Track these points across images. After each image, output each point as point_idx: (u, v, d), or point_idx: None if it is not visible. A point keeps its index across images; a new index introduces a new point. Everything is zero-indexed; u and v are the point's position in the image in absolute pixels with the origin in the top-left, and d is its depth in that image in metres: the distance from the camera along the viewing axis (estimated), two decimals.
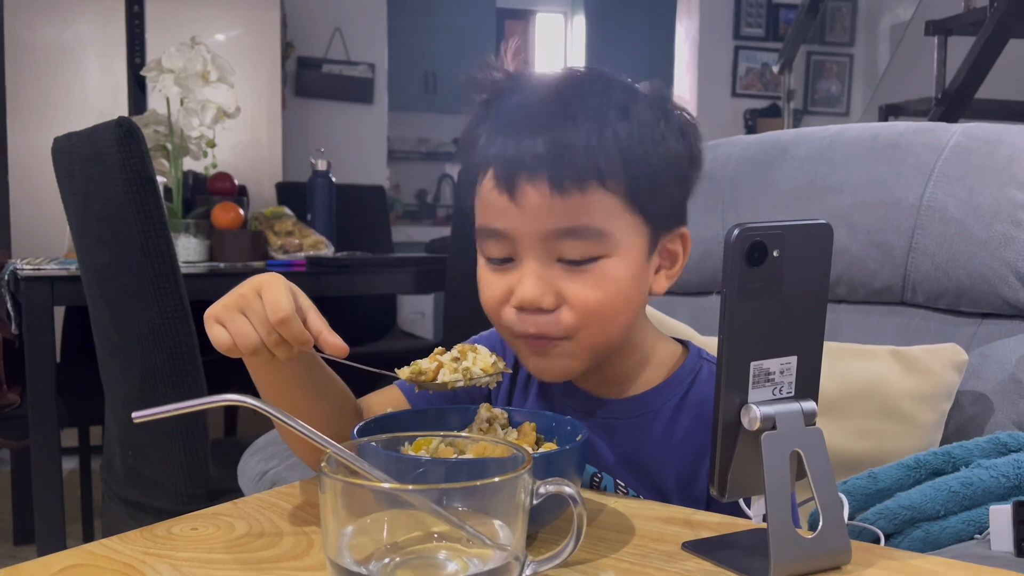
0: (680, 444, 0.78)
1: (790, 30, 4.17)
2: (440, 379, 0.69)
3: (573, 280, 0.70)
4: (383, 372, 0.71)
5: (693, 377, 0.80)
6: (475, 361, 0.69)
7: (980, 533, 0.85)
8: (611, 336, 0.74)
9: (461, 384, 0.69)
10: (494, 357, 0.70)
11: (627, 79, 0.75)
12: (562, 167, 0.67)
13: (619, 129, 0.69)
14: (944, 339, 1.12)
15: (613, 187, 0.69)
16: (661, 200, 0.73)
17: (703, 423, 0.77)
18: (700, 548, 0.61)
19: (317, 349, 0.68)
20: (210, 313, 0.66)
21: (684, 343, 0.84)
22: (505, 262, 0.72)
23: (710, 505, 0.75)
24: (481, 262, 0.75)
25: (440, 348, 0.72)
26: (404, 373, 0.69)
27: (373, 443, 0.59)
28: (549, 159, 0.67)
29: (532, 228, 0.69)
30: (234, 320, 0.65)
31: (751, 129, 4.84)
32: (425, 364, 0.69)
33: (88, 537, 2.35)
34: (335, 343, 0.66)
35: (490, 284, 0.73)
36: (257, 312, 0.64)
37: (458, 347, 0.71)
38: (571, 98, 0.71)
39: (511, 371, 0.73)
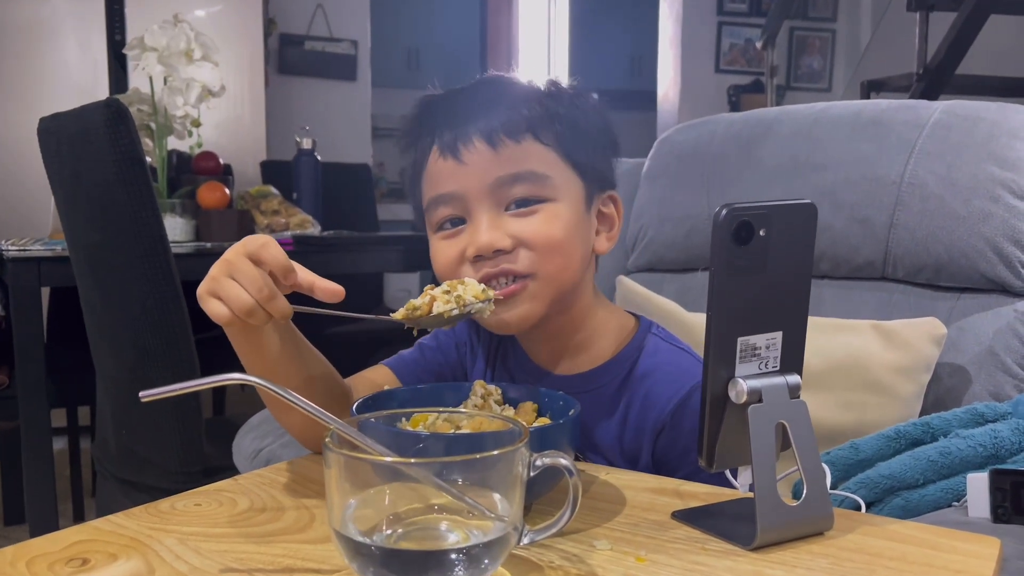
0: (622, 418, 0.82)
1: (773, 6, 4.17)
2: (435, 311, 0.70)
3: (526, 221, 0.77)
4: (379, 317, 0.72)
5: (638, 355, 0.83)
6: (465, 290, 0.71)
7: (958, 501, 0.88)
8: (566, 277, 0.79)
9: (456, 312, 0.70)
10: (482, 285, 0.73)
11: (543, 77, 0.86)
12: (493, 124, 0.77)
13: (541, 98, 0.80)
14: (924, 313, 1.14)
15: (546, 140, 0.79)
16: (590, 158, 0.81)
17: (643, 397, 0.81)
18: (689, 517, 0.64)
19: (313, 304, 0.69)
20: (202, 289, 0.67)
21: (637, 316, 0.87)
22: (456, 224, 0.79)
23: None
24: (433, 241, 0.81)
25: (430, 284, 0.74)
26: (400, 314, 0.70)
27: (373, 419, 0.60)
28: (482, 120, 0.77)
29: (479, 181, 0.77)
30: (225, 286, 0.66)
31: (735, 105, 4.85)
32: (418, 301, 0.71)
33: (79, 516, 2.36)
34: (329, 288, 0.67)
35: (443, 250, 0.80)
36: (246, 272, 0.65)
37: (447, 283, 0.73)
38: (498, 82, 0.83)
39: (501, 296, 0.76)
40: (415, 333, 0.74)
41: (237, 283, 0.66)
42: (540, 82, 0.84)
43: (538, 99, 0.80)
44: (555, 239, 0.77)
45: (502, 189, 0.77)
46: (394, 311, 0.71)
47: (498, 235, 0.76)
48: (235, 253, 0.66)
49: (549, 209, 0.78)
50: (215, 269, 0.67)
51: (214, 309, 0.66)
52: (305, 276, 0.68)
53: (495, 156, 0.77)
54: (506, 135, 0.77)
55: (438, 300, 0.70)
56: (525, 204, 0.77)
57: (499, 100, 0.79)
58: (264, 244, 0.66)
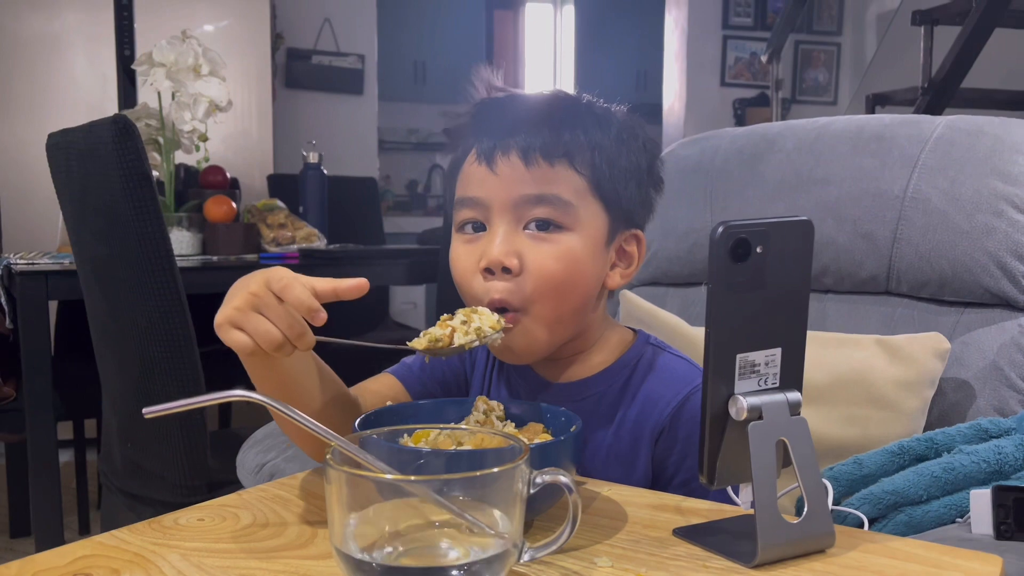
0: (618, 424, 0.82)
1: (778, 19, 4.19)
2: (456, 343, 0.71)
3: (537, 248, 0.77)
4: (398, 347, 0.73)
5: (636, 363, 0.84)
6: (482, 320, 0.72)
7: (961, 517, 0.88)
8: (565, 313, 0.79)
9: (476, 344, 0.71)
10: (496, 315, 0.74)
11: (603, 102, 0.85)
12: (532, 142, 0.77)
13: (589, 126, 0.80)
14: (927, 328, 1.14)
15: (580, 169, 0.79)
16: (620, 195, 0.81)
17: (643, 401, 0.82)
18: (690, 534, 0.64)
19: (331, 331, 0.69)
20: (223, 319, 0.65)
21: (635, 330, 0.88)
22: (477, 230, 0.79)
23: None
24: (454, 241, 0.82)
25: (445, 315, 0.74)
26: (421, 344, 0.71)
27: (374, 435, 0.61)
28: (522, 135, 0.78)
29: (505, 194, 0.78)
30: (251, 320, 0.64)
31: (740, 118, 4.85)
32: (438, 332, 0.71)
33: (85, 529, 2.37)
34: (354, 285, 0.66)
35: (462, 256, 0.80)
36: (274, 307, 0.64)
37: (461, 311, 0.74)
38: (550, 98, 0.83)
39: (511, 326, 0.77)
40: (427, 359, 0.75)
41: (265, 318, 0.64)
42: (596, 107, 0.83)
43: (584, 126, 0.80)
44: (557, 276, 0.77)
45: (525, 206, 0.77)
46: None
47: (509, 253, 0.76)
48: (261, 287, 0.64)
49: (564, 240, 0.78)
50: (240, 300, 0.64)
51: (237, 340, 0.64)
52: (325, 287, 0.66)
53: (526, 173, 0.77)
54: (542, 155, 0.77)
55: (458, 332, 0.71)
56: (544, 227, 0.77)
57: (545, 118, 0.79)
58: (287, 286, 0.64)
